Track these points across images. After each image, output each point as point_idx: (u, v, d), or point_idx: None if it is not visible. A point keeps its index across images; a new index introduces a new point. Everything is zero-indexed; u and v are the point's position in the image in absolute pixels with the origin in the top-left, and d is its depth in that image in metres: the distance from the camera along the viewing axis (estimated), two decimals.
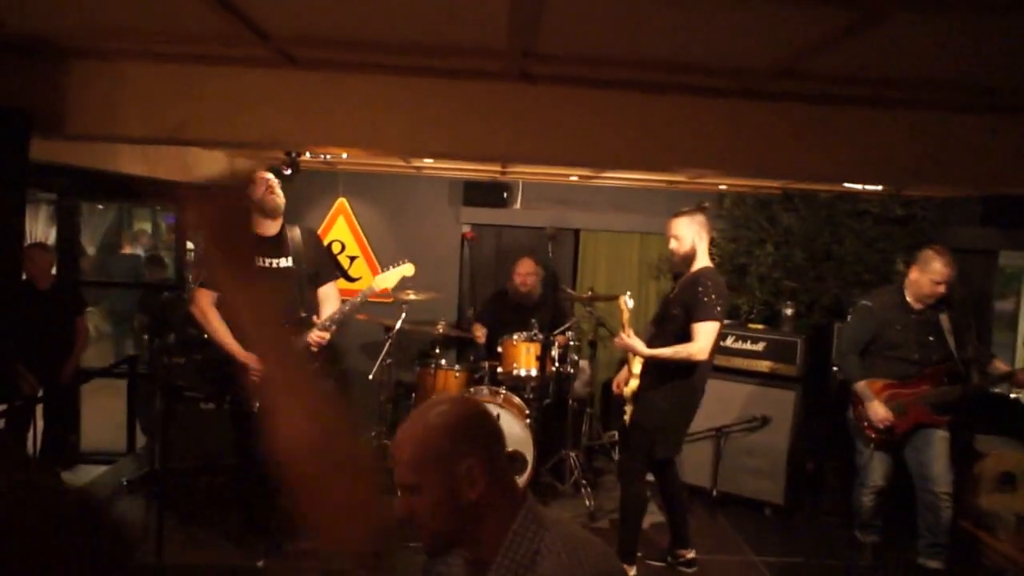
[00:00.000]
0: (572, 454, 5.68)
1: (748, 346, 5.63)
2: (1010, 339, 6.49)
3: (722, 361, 5.46)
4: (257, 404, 4.05)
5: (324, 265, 4.41)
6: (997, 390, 5.02)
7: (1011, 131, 3.16)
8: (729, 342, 5.64)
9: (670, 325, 4.20)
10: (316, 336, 4.10)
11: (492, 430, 1.60)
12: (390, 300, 5.88)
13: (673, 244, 4.26)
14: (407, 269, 4.51)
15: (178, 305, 5.45)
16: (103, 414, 6.51)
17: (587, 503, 5.34)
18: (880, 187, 4.99)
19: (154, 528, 3.74)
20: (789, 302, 5.85)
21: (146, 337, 7.11)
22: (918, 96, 3.00)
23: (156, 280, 8.66)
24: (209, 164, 5.54)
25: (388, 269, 4.52)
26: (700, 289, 4.04)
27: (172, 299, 6.22)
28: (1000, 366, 4.45)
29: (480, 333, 6.08)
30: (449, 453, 1.51)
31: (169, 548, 3.74)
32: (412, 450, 1.53)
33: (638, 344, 4.19)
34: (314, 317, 4.20)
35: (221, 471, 5.29)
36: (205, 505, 5.04)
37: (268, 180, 4.11)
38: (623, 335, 4.22)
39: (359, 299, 4.27)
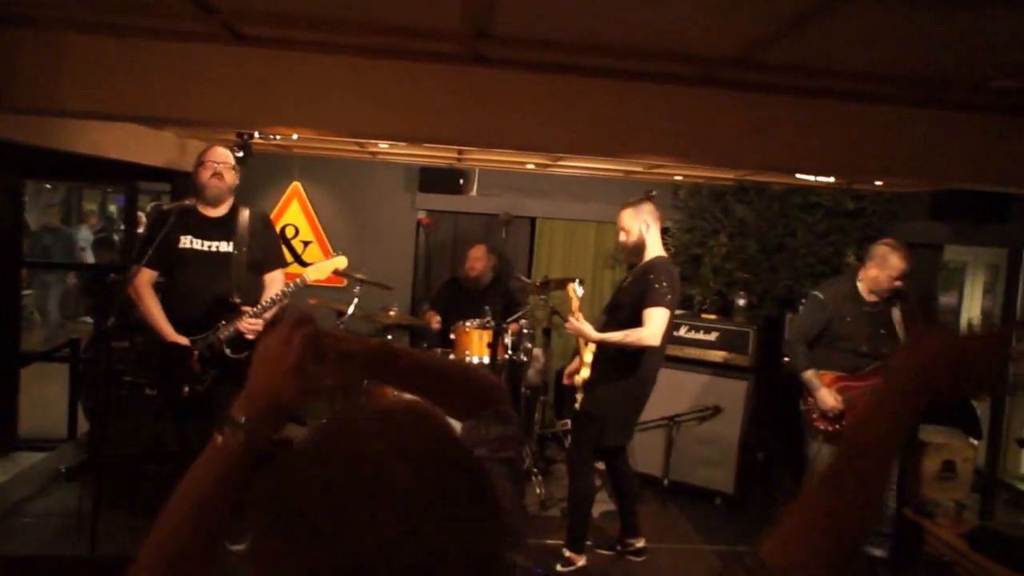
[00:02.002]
0: (524, 442, 5.66)
1: (701, 336, 5.65)
2: None
3: (675, 351, 5.47)
4: (187, 389, 3.95)
5: (271, 251, 4.31)
6: None
7: (963, 127, 3.19)
8: (682, 332, 5.66)
9: (622, 314, 4.20)
10: (248, 324, 3.99)
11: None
12: (342, 284, 5.80)
13: (622, 236, 4.30)
14: (339, 261, 4.46)
15: (122, 288, 5.33)
16: (45, 399, 6.33)
17: (538, 491, 5.33)
18: (833, 179, 5.03)
19: (88, 517, 3.63)
20: (742, 293, 5.89)
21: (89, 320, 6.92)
22: (873, 89, 3.00)
23: (104, 263, 8.46)
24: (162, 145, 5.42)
25: (324, 260, 4.48)
26: (652, 276, 4.05)
27: (117, 281, 6.06)
28: None
29: (435, 320, 6.01)
30: None
31: (106, 537, 3.64)
32: None
33: (588, 328, 4.21)
34: (243, 308, 4.08)
35: (166, 458, 5.17)
36: (148, 493, 4.92)
37: (215, 165, 4.00)
38: (572, 319, 4.25)
39: (290, 289, 4.17)
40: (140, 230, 7.02)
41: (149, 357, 4.23)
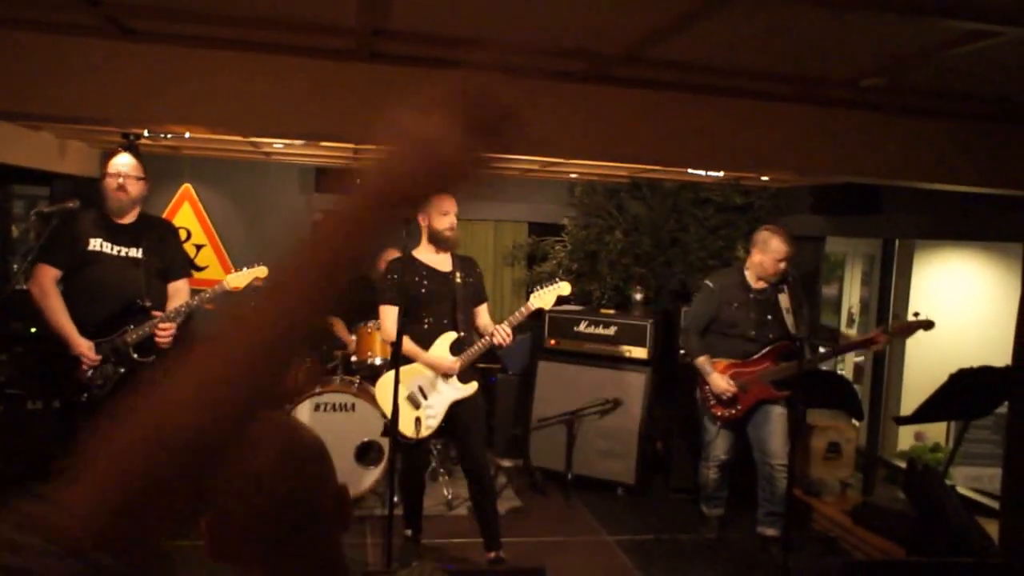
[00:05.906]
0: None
1: (600, 331, 5.76)
2: (834, 322, 6.93)
3: (574, 346, 5.58)
4: (85, 396, 3.84)
5: (177, 260, 4.34)
6: (824, 367, 5.37)
7: (837, 123, 3.36)
8: (582, 327, 5.75)
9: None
10: (163, 329, 3.96)
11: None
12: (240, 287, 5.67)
13: (454, 221, 4.33)
14: (260, 271, 4.48)
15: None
16: None
17: (445, 492, 5.32)
18: (722, 173, 5.22)
19: None
20: (638, 287, 6.04)
21: None
22: (754, 86, 3.13)
23: None
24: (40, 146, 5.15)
25: (242, 269, 4.46)
26: (480, 270, 4.51)
27: None
28: (850, 334, 4.76)
29: (339, 327, 5.86)
30: None
31: None
32: None
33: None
34: (155, 312, 4.03)
35: (53, 474, 4.90)
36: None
37: (119, 177, 3.98)
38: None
39: (208, 295, 4.18)
40: (16, 233, 6.68)
41: (31, 367, 4.09)
